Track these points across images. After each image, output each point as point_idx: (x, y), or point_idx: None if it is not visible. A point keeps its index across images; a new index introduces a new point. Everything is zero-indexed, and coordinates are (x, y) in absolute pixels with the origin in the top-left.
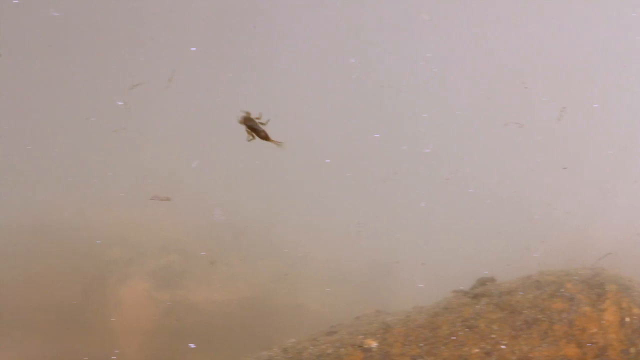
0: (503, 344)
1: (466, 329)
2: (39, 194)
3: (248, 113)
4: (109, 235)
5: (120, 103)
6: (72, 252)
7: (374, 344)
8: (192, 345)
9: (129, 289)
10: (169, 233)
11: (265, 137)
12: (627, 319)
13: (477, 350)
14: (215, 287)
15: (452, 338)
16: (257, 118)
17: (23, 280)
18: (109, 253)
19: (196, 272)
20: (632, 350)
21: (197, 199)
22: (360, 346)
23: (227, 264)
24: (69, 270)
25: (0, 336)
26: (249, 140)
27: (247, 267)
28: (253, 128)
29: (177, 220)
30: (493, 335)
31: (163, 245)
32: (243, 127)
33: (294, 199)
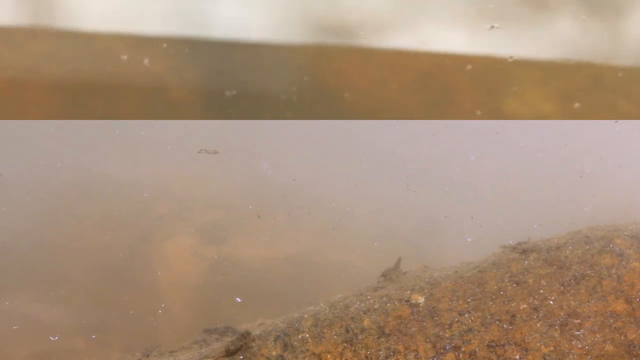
0: (551, 300)
1: (514, 285)
2: (83, 150)
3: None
4: (156, 191)
5: None
6: (118, 208)
7: (421, 299)
8: (239, 299)
9: (175, 245)
10: (216, 188)
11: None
12: None
13: (525, 305)
14: (262, 243)
15: (500, 293)
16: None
17: (69, 237)
18: (156, 208)
19: (243, 228)
20: None
21: (244, 153)
22: (407, 301)
23: (274, 219)
24: (115, 226)
25: (47, 293)
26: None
27: (293, 222)
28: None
29: (224, 175)
30: (541, 291)
31: (210, 200)
32: None
33: (342, 153)
